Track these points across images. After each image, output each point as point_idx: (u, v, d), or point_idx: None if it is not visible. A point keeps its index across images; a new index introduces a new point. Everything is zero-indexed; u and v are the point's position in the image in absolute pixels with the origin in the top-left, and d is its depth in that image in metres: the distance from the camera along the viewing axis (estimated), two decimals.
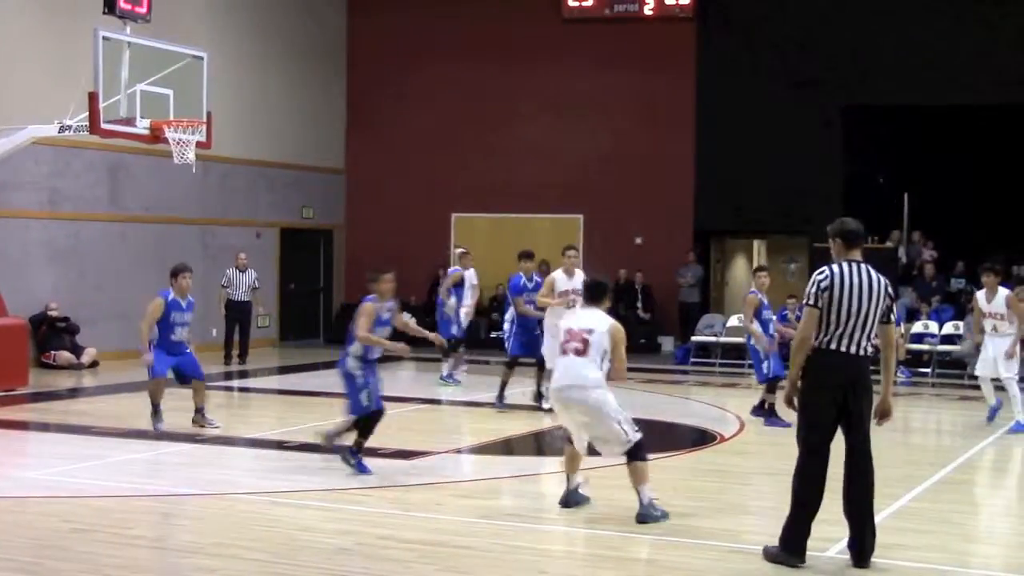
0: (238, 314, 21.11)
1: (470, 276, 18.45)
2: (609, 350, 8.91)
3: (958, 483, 11.33)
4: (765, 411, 14.42)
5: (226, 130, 20.06)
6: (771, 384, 14.34)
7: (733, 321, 22.15)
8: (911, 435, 14.70)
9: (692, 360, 22.13)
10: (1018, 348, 14.29)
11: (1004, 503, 10.97)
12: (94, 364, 19.76)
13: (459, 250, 19.60)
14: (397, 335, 11.11)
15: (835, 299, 7.71)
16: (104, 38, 15.60)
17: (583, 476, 9.44)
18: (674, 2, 24.64)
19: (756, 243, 27.76)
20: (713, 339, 22.37)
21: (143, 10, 16.16)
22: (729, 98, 24.25)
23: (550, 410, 11.26)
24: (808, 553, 7.76)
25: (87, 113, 15.69)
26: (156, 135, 16.22)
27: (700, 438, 13.76)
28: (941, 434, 15.81)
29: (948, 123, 23.31)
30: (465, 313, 18.15)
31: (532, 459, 12.72)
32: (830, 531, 8.14)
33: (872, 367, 7.85)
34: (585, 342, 8.91)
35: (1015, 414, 14.12)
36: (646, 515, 8.80)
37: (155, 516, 9.25)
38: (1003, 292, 14.47)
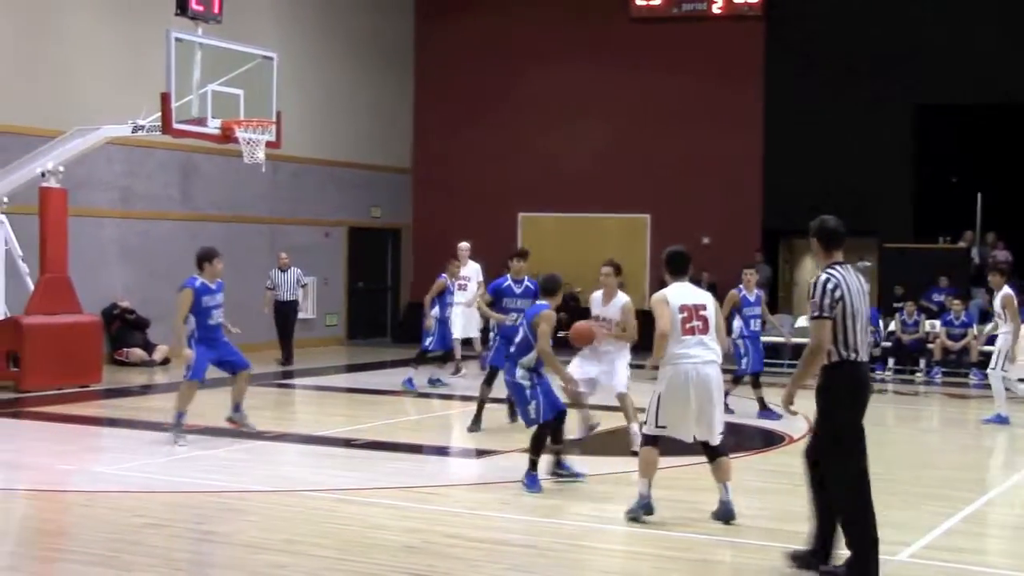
0: (286, 314, 20.90)
1: (475, 272, 18.40)
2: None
3: None
4: (761, 407, 14.93)
5: (295, 130, 20.23)
6: (755, 379, 15.15)
7: (802, 321, 21.93)
8: (982, 438, 14.48)
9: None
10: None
11: None
12: (165, 361, 20.00)
13: (462, 245, 18.61)
14: None
15: (848, 307, 7.26)
16: (176, 39, 15.81)
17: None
18: (743, 1, 24.50)
19: None
20: (781, 339, 22.16)
21: (215, 11, 16.35)
22: (798, 97, 24.06)
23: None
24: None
25: (159, 113, 15.91)
26: (227, 135, 16.40)
27: (767, 439, 13.66)
28: (1015, 437, 15.56)
29: (1022, 122, 22.98)
30: (467, 308, 17.80)
31: (598, 459, 12.67)
32: (901, 535, 8.07)
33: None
34: (705, 319, 8.75)
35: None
36: (729, 511, 8.76)
37: (225, 512, 9.35)
38: (1004, 291, 15.07)
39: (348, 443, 12.57)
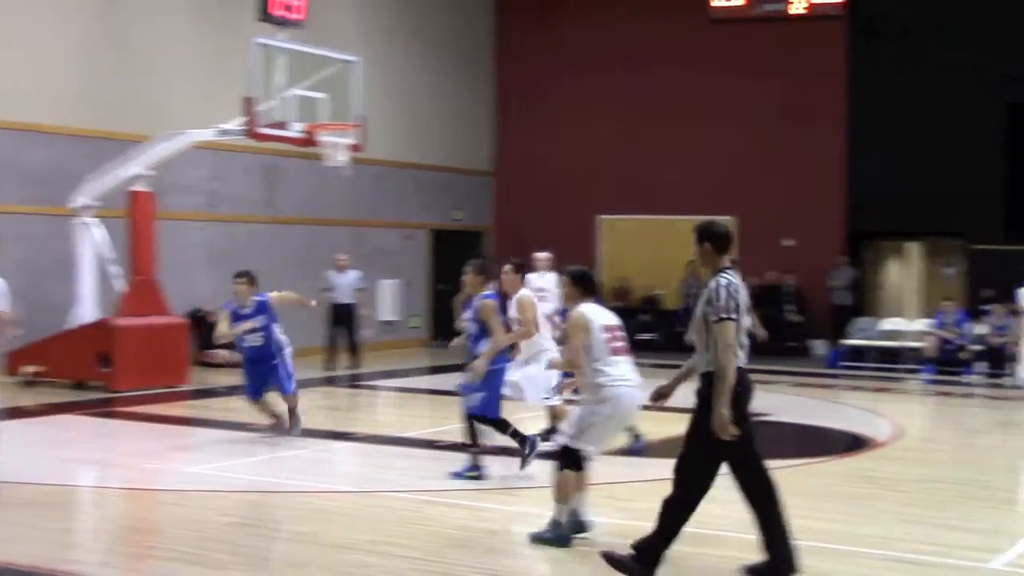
0: (341, 317, 20.06)
1: (553, 283, 17.85)
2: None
3: None
4: None
5: (377, 133, 20.36)
6: None
7: (887, 324, 21.70)
8: None
9: (843, 363, 21.73)
10: None
11: None
12: None
13: (541, 255, 17.71)
14: None
15: (741, 311, 7.13)
16: (260, 45, 16.02)
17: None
18: (825, 0, 24.23)
19: (910, 245, 27.14)
20: (866, 342, 21.92)
21: (298, 16, 16.54)
22: (883, 96, 23.76)
23: None
24: (969, 564, 7.57)
25: (244, 118, 16.12)
26: (309, 138, 16.58)
27: (852, 443, 13.51)
28: None
29: None
30: None
31: (672, 463, 12.60)
32: (994, 542, 7.94)
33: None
34: (624, 340, 8.51)
35: None
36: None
37: (311, 512, 9.44)
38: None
39: (431, 444, 12.63)
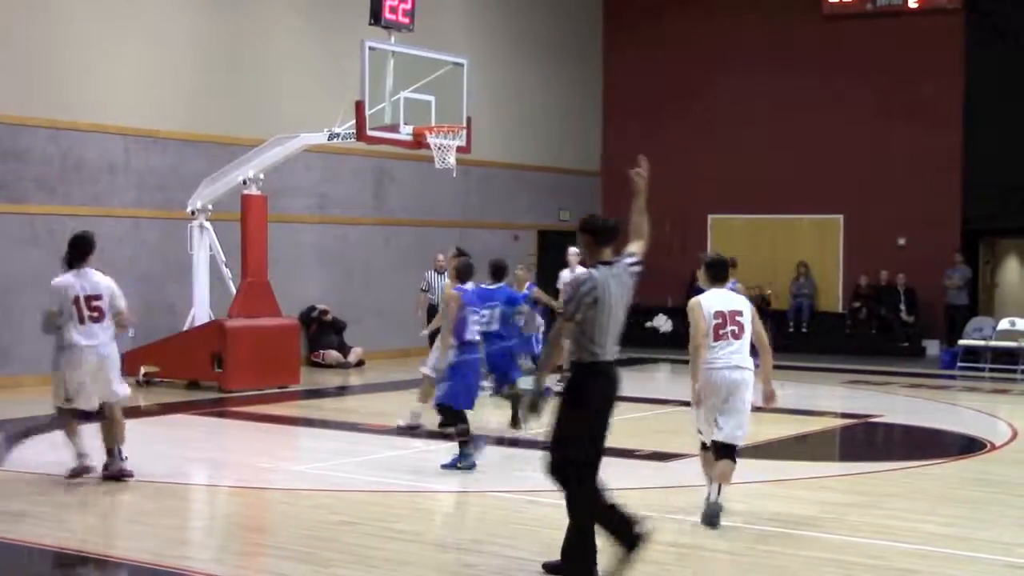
0: None
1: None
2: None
3: None
4: None
5: (485, 134, 20.45)
6: None
7: (1004, 324, 21.19)
8: None
9: (959, 364, 21.25)
10: None
11: None
12: (360, 363, 20.46)
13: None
14: None
15: (604, 306, 7.03)
16: (370, 48, 16.18)
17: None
18: None
19: None
20: (982, 343, 21.42)
21: (407, 20, 16.66)
22: (1002, 91, 23.22)
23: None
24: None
25: (354, 121, 16.30)
26: (418, 141, 16.69)
27: (968, 445, 13.22)
28: None
29: None
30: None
31: (785, 464, 12.47)
32: None
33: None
34: (740, 325, 8.82)
35: None
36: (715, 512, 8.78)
37: (416, 511, 9.52)
38: None
39: (537, 444, 12.63)
